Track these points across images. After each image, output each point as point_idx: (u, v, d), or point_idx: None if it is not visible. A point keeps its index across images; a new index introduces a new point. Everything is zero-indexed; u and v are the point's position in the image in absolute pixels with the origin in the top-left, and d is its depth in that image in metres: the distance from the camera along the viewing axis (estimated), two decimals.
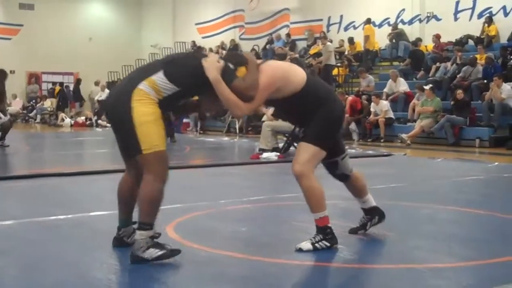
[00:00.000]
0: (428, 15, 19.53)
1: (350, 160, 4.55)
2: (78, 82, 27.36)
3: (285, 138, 11.43)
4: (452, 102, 14.68)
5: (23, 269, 3.78)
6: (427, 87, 15.06)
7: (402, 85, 16.72)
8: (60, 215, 5.27)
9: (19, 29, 28.44)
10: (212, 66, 3.91)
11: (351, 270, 3.81)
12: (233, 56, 4.23)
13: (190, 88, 3.97)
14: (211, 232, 4.82)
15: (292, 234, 4.70)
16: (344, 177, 4.55)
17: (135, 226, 3.99)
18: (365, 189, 4.62)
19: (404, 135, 14.50)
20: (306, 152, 4.18)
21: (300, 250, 4.12)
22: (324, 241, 4.15)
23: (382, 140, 15.14)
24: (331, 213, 5.80)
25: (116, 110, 3.86)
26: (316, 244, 4.13)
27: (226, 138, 16.68)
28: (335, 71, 19.46)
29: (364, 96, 16.66)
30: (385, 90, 16.86)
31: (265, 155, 10.66)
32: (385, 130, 15.35)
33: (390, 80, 17.00)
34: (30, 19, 28.31)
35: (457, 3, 18.71)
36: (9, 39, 28.30)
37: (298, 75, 4.20)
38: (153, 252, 3.75)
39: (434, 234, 4.86)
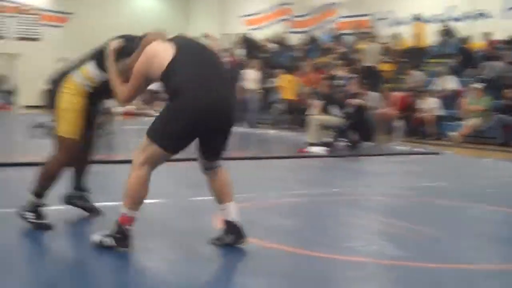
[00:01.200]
0: (480, 12, 19.17)
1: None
2: None
3: (333, 133, 11.38)
4: (503, 101, 14.40)
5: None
6: (477, 85, 14.78)
7: (451, 83, 16.46)
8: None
9: (69, 17, 28.87)
10: (109, 51, 4.15)
11: (399, 267, 3.75)
12: (133, 39, 4.23)
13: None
14: (255, 224, 4.79)
15: (336, 229, 4.66)
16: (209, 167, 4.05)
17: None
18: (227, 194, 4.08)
19: (453, 133, 14.28)
20: (146, 147, 3.73)
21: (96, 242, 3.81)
22: (112, 238, 3.75)
23: (430, 138, 14.93)
24: (375, 209, 5.79)
25: (51, 94, 4.38)
26: (107, 238, 3.77)
27: (272, 131, 16.59)
28: (383, 67, 19.26)
29: (412, 93, 16.45)
30: (434, 87, 16.62)
31: (313, 149, 10.61)
32: (433, 128, 15.13)
33: (439, 77, 16.75)
34: (80, 7, 28.71)
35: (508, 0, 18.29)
36: (61, 26, 28.75)
37: (166, 56, 3.72)
38: (29, 216, 4.25)
39: (483, 234, 4.77)
